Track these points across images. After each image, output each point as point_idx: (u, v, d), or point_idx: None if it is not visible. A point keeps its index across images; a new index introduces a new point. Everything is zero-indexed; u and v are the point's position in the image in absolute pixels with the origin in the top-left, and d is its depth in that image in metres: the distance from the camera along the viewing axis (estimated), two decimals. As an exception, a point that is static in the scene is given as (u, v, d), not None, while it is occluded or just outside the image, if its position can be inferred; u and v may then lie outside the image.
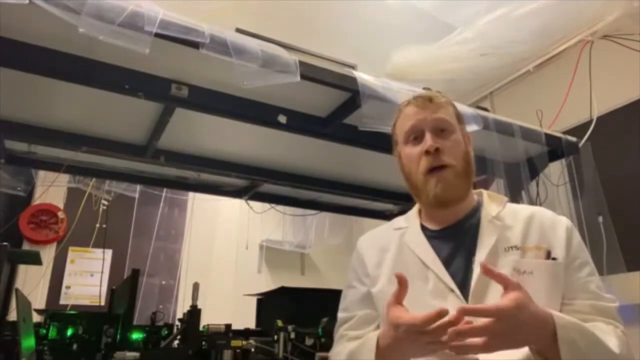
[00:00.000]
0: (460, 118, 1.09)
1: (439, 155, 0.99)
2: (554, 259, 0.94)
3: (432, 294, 0.90)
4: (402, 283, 0.84)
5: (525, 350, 0.84)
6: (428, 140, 1.00)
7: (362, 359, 0.92)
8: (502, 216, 1.01)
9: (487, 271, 0.80)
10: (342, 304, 1.10)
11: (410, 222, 1.10)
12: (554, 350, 0.79)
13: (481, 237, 0.98)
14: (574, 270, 0.94)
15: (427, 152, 1.00)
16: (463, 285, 0.93)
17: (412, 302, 0.85)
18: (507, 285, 0.79)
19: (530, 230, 0.98)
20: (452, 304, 0.91)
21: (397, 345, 0.84)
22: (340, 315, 1.09)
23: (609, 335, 0.86)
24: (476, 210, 1.04)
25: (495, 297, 0.83)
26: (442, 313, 0.76)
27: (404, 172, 1.07)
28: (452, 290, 0.92)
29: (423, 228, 1.06)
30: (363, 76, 1.56)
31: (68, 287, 3.45)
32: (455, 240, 1.00)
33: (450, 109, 1.07)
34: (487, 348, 0.75)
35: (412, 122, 1.04)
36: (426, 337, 0.78)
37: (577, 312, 0.88)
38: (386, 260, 1.05)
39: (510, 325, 0.75)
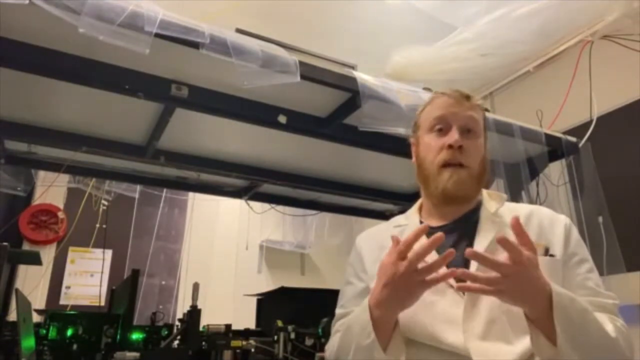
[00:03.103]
0: (485, 126, 1.09)
1: (460, 153, 0.99)
2: (551, 255, 0.94)
3: (431, 290, 0.90)
4: (394, 241, 0.85)
5: (520, 347, 0.84)
6: (454, 135, 1.00)
7: (357, 322, 0.91)
8: (501, 213, 1.02)
9: (473, 255, 0.79)
10: (340, 300, 1.11)
11: (409, 220, 1.11)
12: (549, 321, 0.78)
13: (479, 232, 0.98)
14: (572, 267, 0.95)
15: (449, 146, 1.00)
16: (461, 281, 0.93)
17: None
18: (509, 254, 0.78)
19: (529, 228, 0.98)
20: (451, 299, 0.92)
21: (387, 295, 0.84)
22: (338, 311, 1.09)
23: (605, 321, 0.85)
24: (477, 208, 1.05)
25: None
26: (420, 232, 0.81)
27: (418, 158, 1.08)
28: (451, 286, 0.92)
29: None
30: (363, 76, 1.56)
31: (68, 287, 3.44)
32: (455, 237, 1.00)
33: (481, 113, 1.08)
34: (495, 288, 0.77)
35: (443, 112, 1.04)
36: (411, 266, 0.80)
37: None
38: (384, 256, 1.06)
39: (519, 275, 0.76)
